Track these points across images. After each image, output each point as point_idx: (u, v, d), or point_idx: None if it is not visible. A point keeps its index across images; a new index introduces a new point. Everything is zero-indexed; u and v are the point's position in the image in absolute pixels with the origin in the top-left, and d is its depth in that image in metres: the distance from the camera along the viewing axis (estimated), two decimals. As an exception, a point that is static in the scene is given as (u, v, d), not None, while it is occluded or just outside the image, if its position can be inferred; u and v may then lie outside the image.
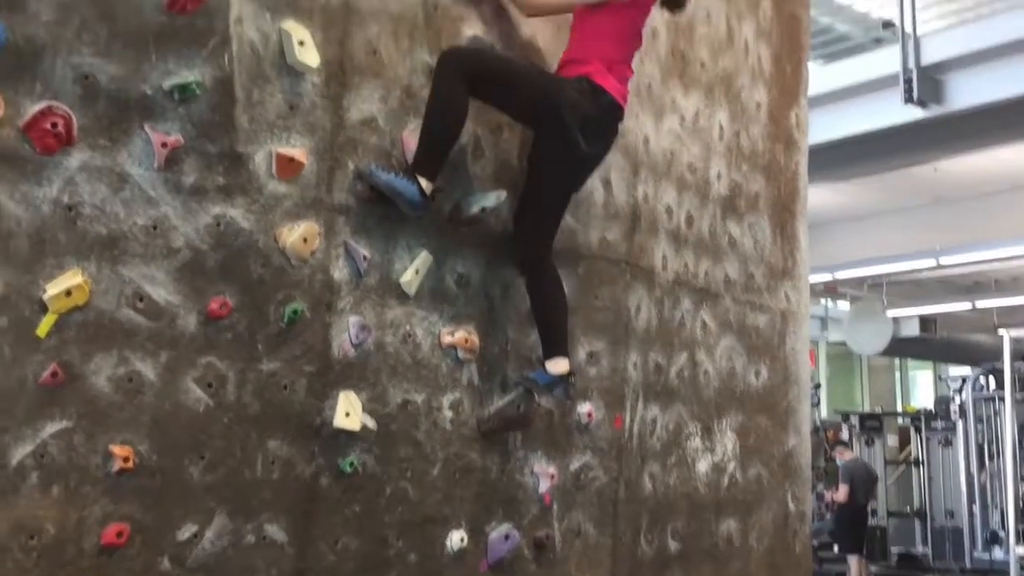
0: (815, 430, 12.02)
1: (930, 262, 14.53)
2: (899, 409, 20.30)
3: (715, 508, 4.72)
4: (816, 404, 14.88)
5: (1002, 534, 13.43)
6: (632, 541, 4.25)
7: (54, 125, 2.66)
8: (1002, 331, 11.24)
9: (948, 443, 15.07)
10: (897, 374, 24.64)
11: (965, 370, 17.19)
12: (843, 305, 19.24)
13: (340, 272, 3.27)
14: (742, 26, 5.06)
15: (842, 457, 13.45)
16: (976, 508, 14.35)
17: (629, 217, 4.28)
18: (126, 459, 2.74)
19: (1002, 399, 12.70)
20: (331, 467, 3.20)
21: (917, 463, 15.66)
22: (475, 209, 3.54)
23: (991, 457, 14.14)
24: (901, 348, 18.23)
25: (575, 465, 3.99)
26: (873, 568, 13.92)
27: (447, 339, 3.55)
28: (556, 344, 3.64)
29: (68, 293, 2.65)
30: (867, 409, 19.91)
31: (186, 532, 2.87)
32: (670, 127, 4.55)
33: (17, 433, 2.59)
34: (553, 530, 3.88)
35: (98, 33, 2.75)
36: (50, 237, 2.66)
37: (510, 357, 3.77)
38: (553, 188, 3.68)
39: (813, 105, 6.18)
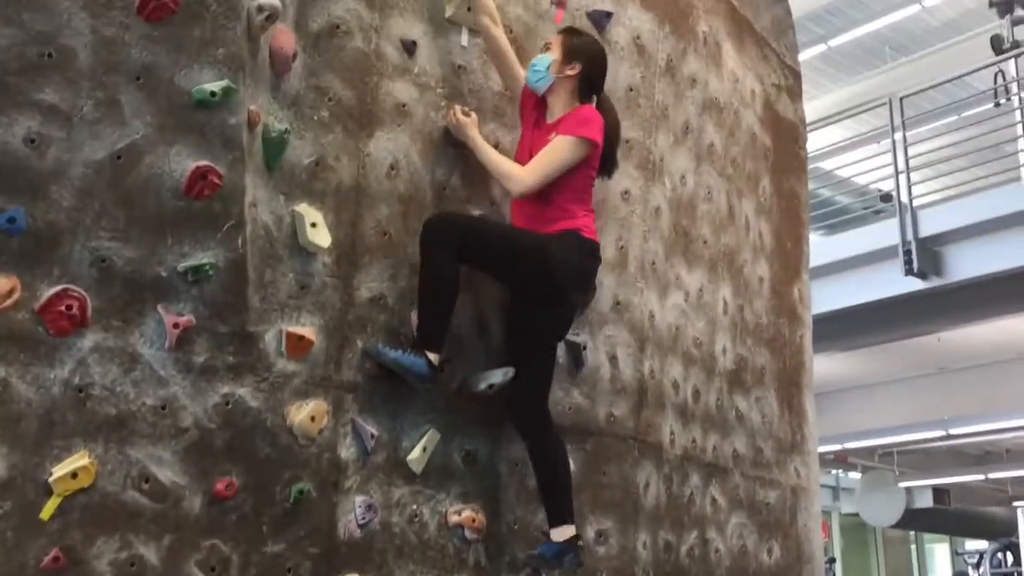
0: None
1: (939, 432, 14.40)
2: (917, 585, 19.76)
3: None
4: (831, 580, 14.48)
5: None
6: None
7: (69, 307, 2.71)
8: (1017, 504, 11.05)
9: (969, 621, 14.61)
10: (913, 547, 24.07)
11: (982, 544, 16.81)
12: (854, 474, 18.98)
13: (347, 450, 3.25)
14: (742, 203, 5.18)
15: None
16: None
17: (636, 392, 4.28)
18: (124, 647, 2.66)
19: (1020, 574, 12.37)
20: (334, 654, 3.11)
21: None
22: (483, 386, 3.55)
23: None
24: (915, 519, 17.87)
25: (585, 650, 3.87)
26: None
27: (454, 518, 3.50)
28: (560, 511, 3.59)
29: (74, 475, 2.64)
30: (884, 585, 19.38)
31: None
32: (675, 302, 4.60)
33: (15, 620, 2.53)
34: None
35: (116, 218, 2.82)
36: (59, 418, 2.67)
37: (518, 536, 3.70)
38: (544, 343, 3.71)
39: (816, 276, 6.26)
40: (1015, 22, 11.11)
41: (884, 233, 10.07)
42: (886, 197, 11.01)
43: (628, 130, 4.26)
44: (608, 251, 4.14)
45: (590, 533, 3.96)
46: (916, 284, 9.68)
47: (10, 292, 2.64)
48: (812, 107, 9.11)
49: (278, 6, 3.03)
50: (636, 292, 4.22)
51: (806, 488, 5.28)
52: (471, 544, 3.54)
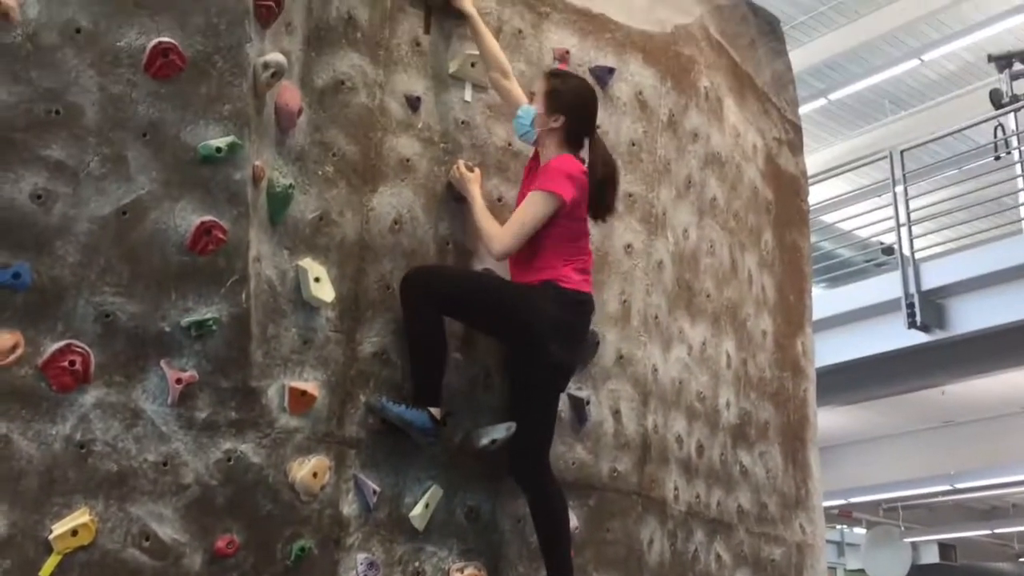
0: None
1: (945, 486, 14.30)
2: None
3: None
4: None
5: None
6: None
7: (72, 363, 2.70)
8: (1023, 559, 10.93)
9: None
10: (919, 602, 23.76)
11: (990, 600, 16.62)
12: (859, 530, 18.80)
13: (349, 507, 3.23)
14: (745, 257, 5.18)
15: None
16: None
17: (639, 447, 4.25)
18: None
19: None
20: None
21: None
22: (485, 441, 3.53)
23: None
24: (921, 575, 17.68)
25: None
26: None
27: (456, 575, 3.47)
28: (561, 567, 3.53)
29: (74, 532, 2.62)
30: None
31: None
32: (678, 356, 4.59)
33: None
34: None
35: (121, 273, 2.83)
36: (60, 475, 2.66)
37: (521, 594, 3.66)
38: (540, 396, 3.63)
39: (819, 328, 6.23)
40: (1014, 76, 11.19)
41: (886, 286, 10.08)
42: (888, 250, 11.02)
43: (631, 184, 4.28)
44: (611, 305, 4.14)
45: (594, 590, 3.91)
46: (919, 337, 9.66)
47: (13, 348, 2.64)
48: (813, 160, 9.17)
49: (284, 63, 3.06)
50: (639, 346, 4.21)
51: (812, 545, 5.22)
52: (474, 602, 3.50)
